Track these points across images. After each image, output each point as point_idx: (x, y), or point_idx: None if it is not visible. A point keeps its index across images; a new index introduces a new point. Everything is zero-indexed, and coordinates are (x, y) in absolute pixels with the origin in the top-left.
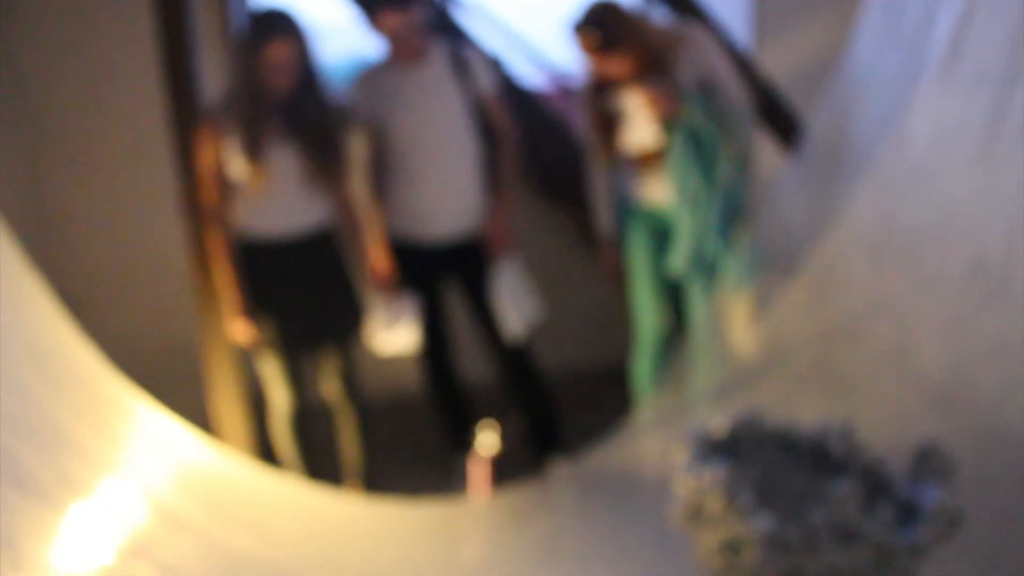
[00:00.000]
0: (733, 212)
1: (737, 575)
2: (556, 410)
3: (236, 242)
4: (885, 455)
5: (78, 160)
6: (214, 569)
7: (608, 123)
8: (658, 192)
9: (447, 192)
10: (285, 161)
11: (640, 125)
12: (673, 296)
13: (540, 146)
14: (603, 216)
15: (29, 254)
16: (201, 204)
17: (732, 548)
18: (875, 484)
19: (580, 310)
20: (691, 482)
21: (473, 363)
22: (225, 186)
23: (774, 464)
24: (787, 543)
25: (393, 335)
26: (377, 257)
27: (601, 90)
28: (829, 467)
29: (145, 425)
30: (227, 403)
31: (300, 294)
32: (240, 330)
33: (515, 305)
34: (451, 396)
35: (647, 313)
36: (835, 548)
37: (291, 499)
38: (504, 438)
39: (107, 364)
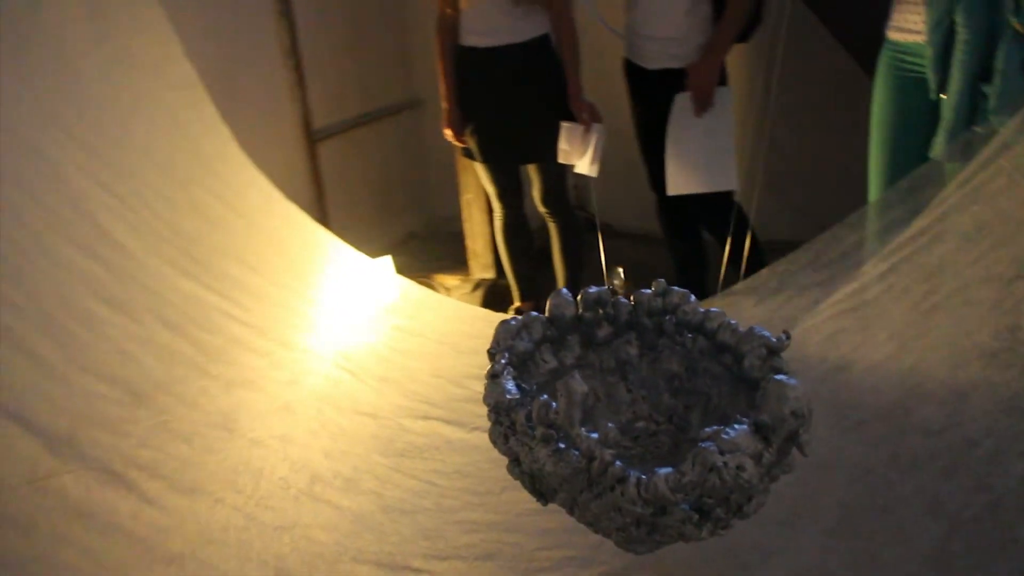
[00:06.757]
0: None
1: None
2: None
3: (453, 53)
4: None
5: None
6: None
7: None
8: (911, 19)
9: (659, 21)
10: None
11: None
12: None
13: None
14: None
15: None
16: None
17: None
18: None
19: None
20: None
21: None
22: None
23: (696, 359)
24: (510, 425)
25: (577, 160)
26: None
27: None
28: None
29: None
30: (476, 209)
31: (506, 108)
32: (451, 139)
33: (690, 163)
34: (672, 223)
35: (873, 177)
36: (543, 450)
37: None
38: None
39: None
